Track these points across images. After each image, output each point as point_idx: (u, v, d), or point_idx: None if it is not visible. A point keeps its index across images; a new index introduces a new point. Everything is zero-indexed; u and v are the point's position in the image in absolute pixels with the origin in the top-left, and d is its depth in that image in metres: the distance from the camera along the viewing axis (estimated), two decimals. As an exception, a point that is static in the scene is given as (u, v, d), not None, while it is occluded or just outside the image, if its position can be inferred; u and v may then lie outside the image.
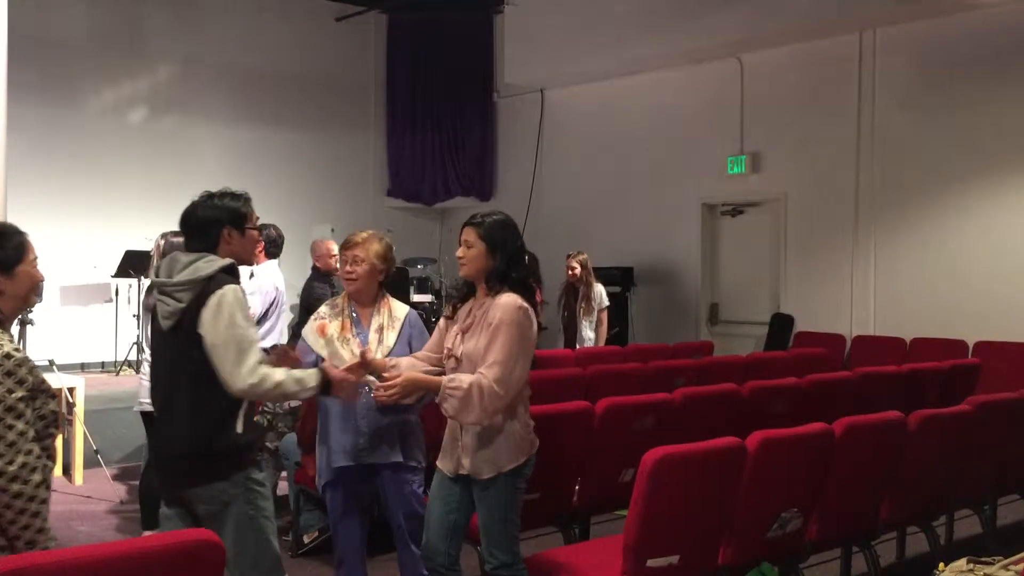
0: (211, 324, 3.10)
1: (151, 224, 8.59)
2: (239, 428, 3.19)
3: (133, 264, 9.72)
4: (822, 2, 9.28)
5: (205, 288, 3.13)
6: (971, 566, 2.96)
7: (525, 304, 3.45)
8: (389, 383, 3.40)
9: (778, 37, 9.85)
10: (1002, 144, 8.72)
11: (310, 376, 3.28)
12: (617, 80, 11.61)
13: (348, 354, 3.86)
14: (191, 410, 3.15)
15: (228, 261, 3.24)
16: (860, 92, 9.62)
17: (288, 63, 12.49)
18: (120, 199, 10.86)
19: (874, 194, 9.56)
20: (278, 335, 6.60)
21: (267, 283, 6.41)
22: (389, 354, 3.89)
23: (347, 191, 13.01)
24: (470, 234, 3.51)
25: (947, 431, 4.34)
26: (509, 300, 3.42)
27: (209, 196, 3.32)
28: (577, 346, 8.25)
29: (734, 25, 9.83)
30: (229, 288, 3.14)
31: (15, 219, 6.35)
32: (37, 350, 7.96)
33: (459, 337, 3.51)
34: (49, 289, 7.66)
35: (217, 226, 3.27)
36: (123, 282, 10.27)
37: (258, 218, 3.41)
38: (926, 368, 6.51)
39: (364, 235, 4.09)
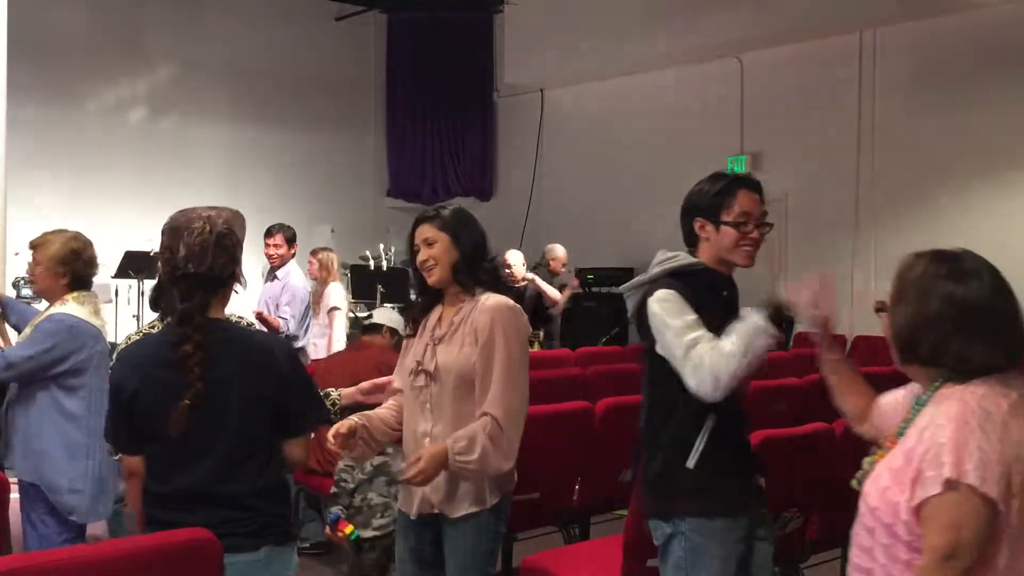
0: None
1: (151, 224, 8.61)
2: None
3: (133, 265, 9.68)
4: (822, 2, 9.27)
5: (647, 291, 2.76)
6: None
7: (516, 305, 2.94)
8: (414, 466, 2.75)
9: (778, 37, 9.84)
10: (1003, 144, 8.71)
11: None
12: (617, 80, 11.59)
13: None
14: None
15: (687, 261, 2.80)
16: (860, 92, 9.61)
17: (288, 63, 12.47)
18: (120, 200, 10.84)
19: (874, 194, 9.55)
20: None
21: (298, 281, 6.68)
22: None
23: (347, 191, 13.01)
24: (429, 231, 2.90)
25: (947, 431, 4.33)
26: (499, 301, 2.90)
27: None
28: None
29: (734, 25, 9.82)
30: (658, 292, 2.71)
31: (15, 219, 6.36)
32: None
33: (430, 348, 2.91)
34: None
35: (687, 217, 2.87)
36: (123, 283, 10.25)
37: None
38: (926, 368, 6.49)
39: (48, 236, 3.69)
